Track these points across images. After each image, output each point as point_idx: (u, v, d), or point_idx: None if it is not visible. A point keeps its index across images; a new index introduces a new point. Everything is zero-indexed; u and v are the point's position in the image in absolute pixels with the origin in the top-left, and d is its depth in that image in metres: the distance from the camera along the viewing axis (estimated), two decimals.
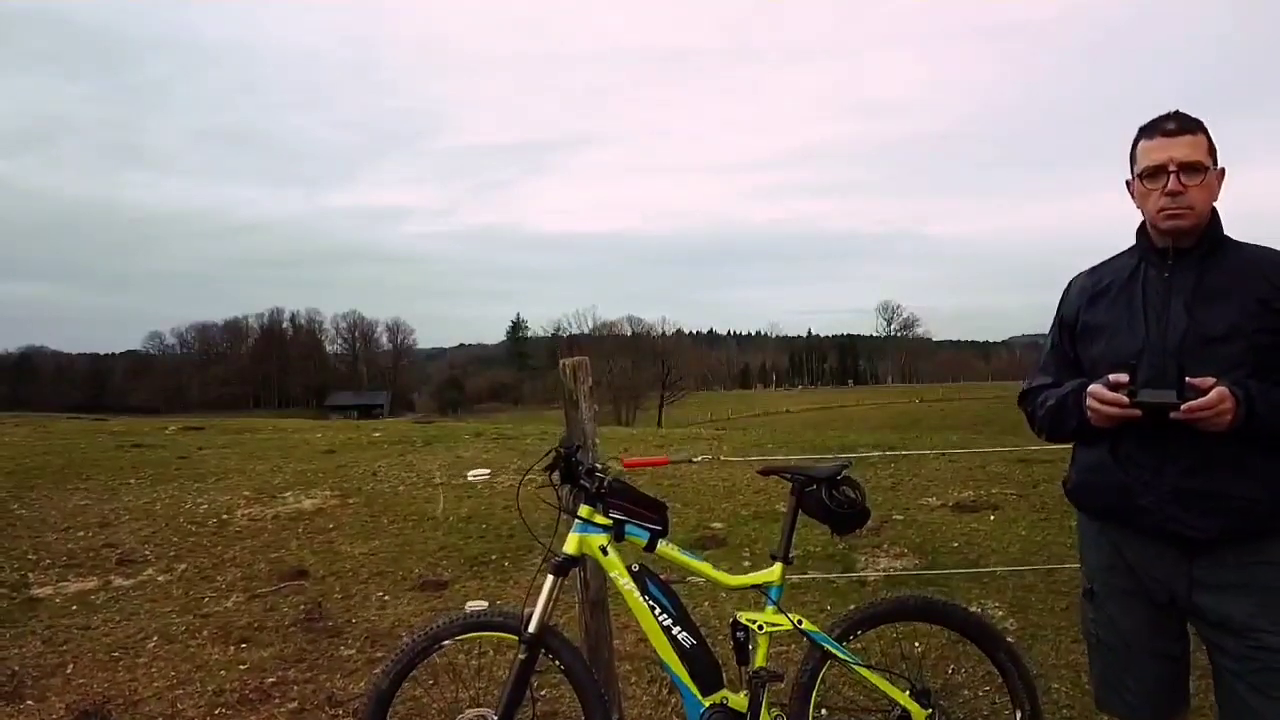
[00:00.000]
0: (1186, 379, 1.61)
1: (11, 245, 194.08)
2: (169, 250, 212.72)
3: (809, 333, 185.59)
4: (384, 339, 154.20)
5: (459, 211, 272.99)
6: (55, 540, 5.89)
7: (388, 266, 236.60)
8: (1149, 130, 1.83)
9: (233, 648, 4.04)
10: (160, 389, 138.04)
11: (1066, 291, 2.02)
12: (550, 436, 10.85)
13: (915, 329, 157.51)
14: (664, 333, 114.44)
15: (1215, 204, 1.82)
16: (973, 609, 3.28)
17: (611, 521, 2.40)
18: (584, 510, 2.40)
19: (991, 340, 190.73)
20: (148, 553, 5.53)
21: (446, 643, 2.39)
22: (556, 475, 2.47)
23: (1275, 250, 1.80)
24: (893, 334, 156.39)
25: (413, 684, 2.39)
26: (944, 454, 7.55)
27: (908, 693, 2.37)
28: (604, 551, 2.38)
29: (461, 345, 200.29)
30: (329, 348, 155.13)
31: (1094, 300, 1.90)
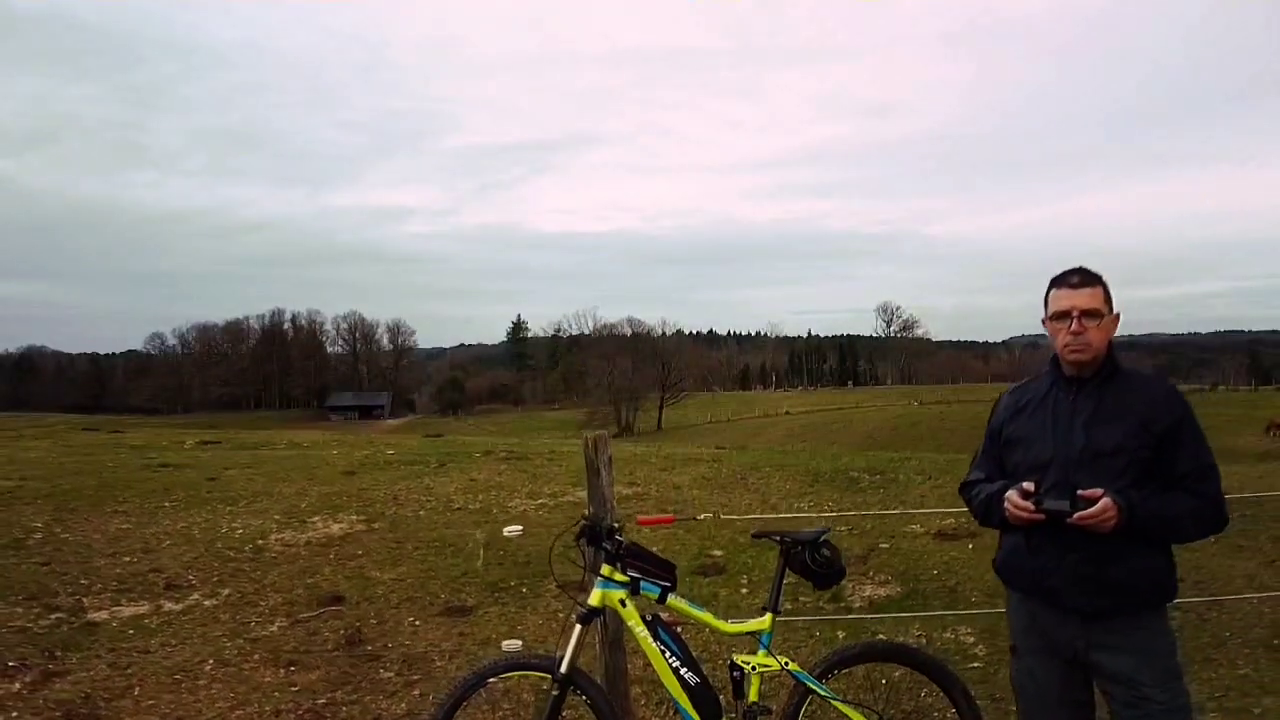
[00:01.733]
0: (1079, 491, 2.09)
1: (12, 244, 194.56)
2: (171, 250, 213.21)
3: (809, 333, 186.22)
4: (384, 340, 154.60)
5: (462, 211, 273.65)
6: (103, 565, 6.34)
7: (389, 266, 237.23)
8: (1058, 282, 2.31)
9: (282, 670, 4.51)
10: (161, 389, 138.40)
11: (996, 406, 2.50)
12: (558, 455, 11.32)
13: (914, 330, 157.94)
14: (664, 333, 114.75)
15: (1111, 340, 2.30)
16: (933, 648, 3.75)
17: (629, 579, 2.87)
18: (605, 569, 2.87)
19: (991, 341, 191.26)
20: (192, 578, 6.00)
21: (492, 680, 2.86)
22: (584, 540, 2.96)
23: (1155, 379, 2.28)
24: (892, 335, 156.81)
25: (463, 713, 2.84)
26: (930, 479, 8.01)
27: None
28: (623, 604, 2.86)
29: (462, 345, 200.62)
30: (330, 348, 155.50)
31: (1015, 415, 2.39)
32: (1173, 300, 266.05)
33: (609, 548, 2.89)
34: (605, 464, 3.25)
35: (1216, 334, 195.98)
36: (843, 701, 2.84)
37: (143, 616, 5.43)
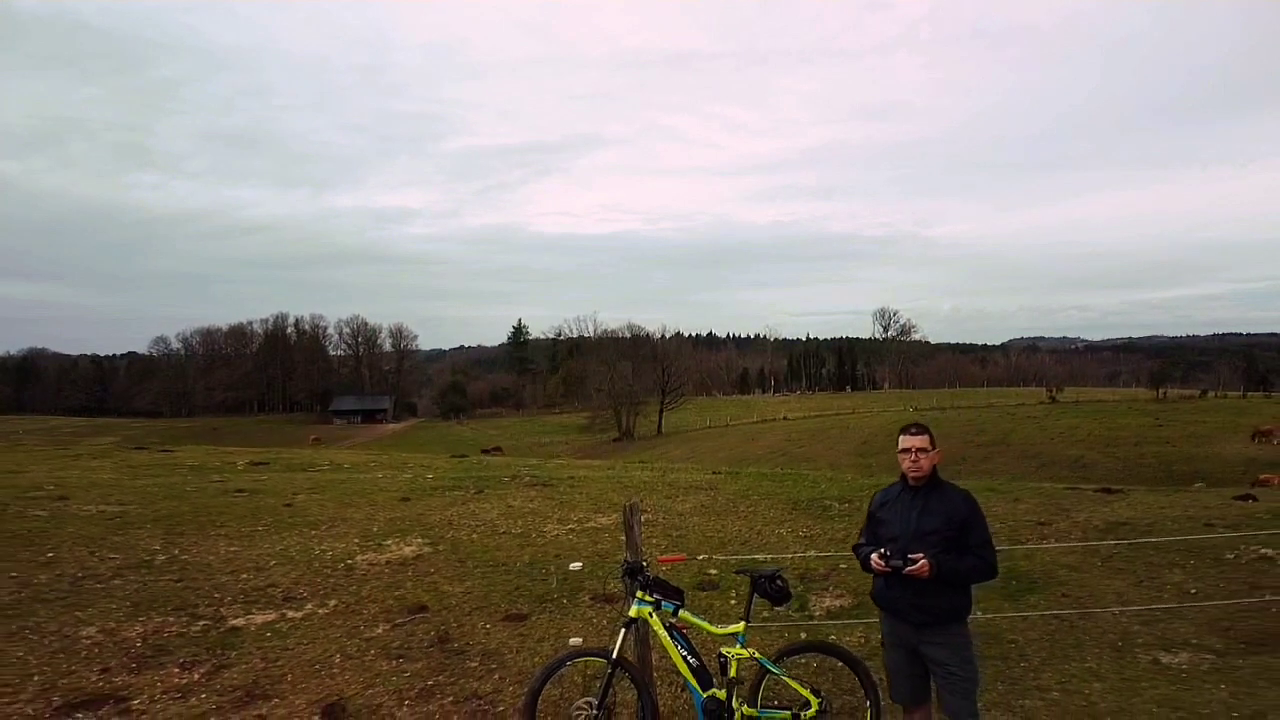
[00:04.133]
0: (909, 555, 3.77)
1: (16, 246, 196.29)
2: (173, 251, 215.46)
3: (808, 336, 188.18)
4: (386, 343, 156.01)
5: (463, 214, 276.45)
6: (226, 581, 8.00)
7: (390, 268, 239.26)
8: (903, 430, 3.99)
9: (394, 662, 6.17)
10: (165, 392, 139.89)
11: (872, 499, 4.19)
12: (578, 482, 13.00)
13: (912, 334, 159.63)
14: (664, 336, 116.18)
15: (936, 464, 3.99)
16: (858, 643, 5.41)
17: (654, 599, 4.56)
18: (639, 593, 4.57)
19: (990, 343, 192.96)
20: (302, 591, 7.66)
21: (569, 663, 4.55)
22: (625, 575, 4.65)
23: (958, 491, 3.96)
24: (890, 338, 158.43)
25: (550, 685, 4.50)
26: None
27: (809, 691, 4.52)
28: (650, 615, 4.55)
29: (461, 347, 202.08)
30: (332, 352, 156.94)
31: (882, 506, 4.08)
32: (1171, 303, 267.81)
33: (641, 580, 4.58)
34: (637, 522, 4.94)
35: (1215, 336, 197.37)
36: (789, 677, 4.53)
37: (273, 622, 7.08)
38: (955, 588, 3.87)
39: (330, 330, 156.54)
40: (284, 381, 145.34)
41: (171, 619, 7.16)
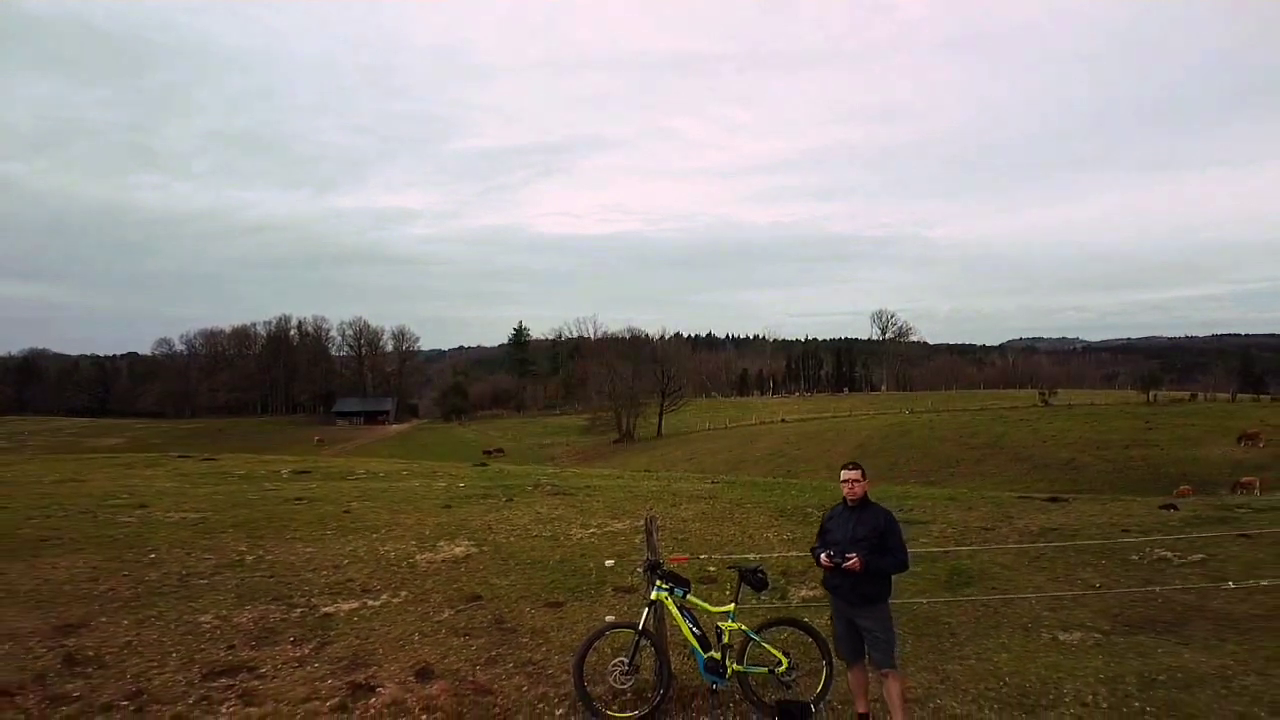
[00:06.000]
0: (847, 554, 5.52)
1: (19, 246, 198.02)
2: (176, 252, 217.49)
3: (807, 337, 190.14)
4: (389, 344, 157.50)
5: (465, 214, 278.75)
6: (310, 577, 9.71)
7: (392, 268, 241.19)
8: (844, 467, 5.75)
9: (462, 638, 7.87)
10: (168, 394, 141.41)
11: (824, 515, 5.93)
12: (594, 490, 14.74)
13: (909, 336, 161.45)
14: (664, 337, 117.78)
15: (866, 490, 5.74)
16: (820, 626, 7.14)
17: (669, 587, 6.30)
18: (658, 583, 6.31)
19: (988, 344, 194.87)
20: (376, 584, 9.38)
21: (606, 634, 6.29)
22: (646, 570, 6.40)
23: (880, 509, 5.71)
24: (887, 339, 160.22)
25: (593, 653, 6.23)
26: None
27: (781, 653, 6.26)
28: (666, 598, 6.29)
29: (461, 347, 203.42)
30: (334, 353, 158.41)
31: (829, 519, 5.84)
32: (1170, 303, 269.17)
33: (659, 573, 6.33)
34: (654, 529, 6.67)
35: (1214, 337, 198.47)
36: (766, 644, 6.27)
37: (358, 609, 8.79)
38: (879, 578, 5.60)
39: (333, 332, 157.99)
40: (287, 383, 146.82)
41: (273, 607, 8.85)
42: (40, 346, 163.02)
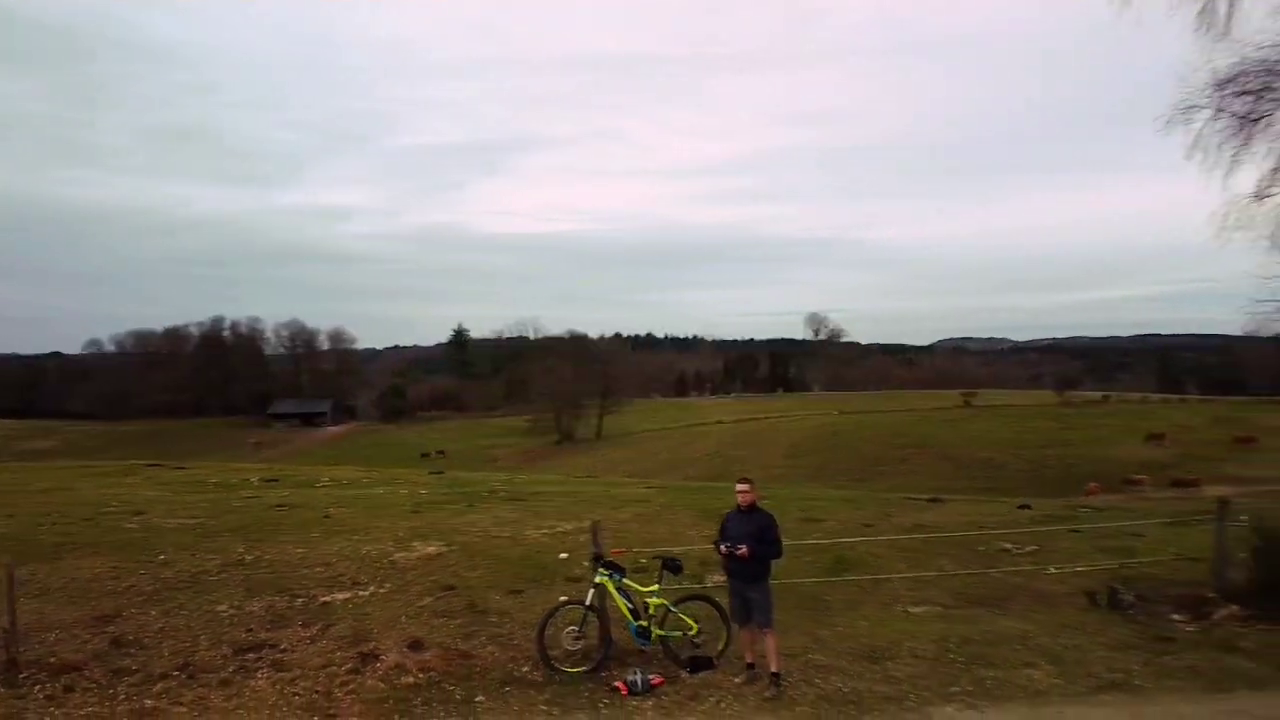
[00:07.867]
0: (739, 545, 7.67)
1: None
2: (108, 249, 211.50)
3: (746, 338, 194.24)
4: (325, 344, 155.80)
5: (405, 212, 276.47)
6: (306, 573, 11.45)
7: (328, 266, 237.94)
8: (739, 481, 7.91)
9: (443, 619, 9.73)
10: (101, 395, 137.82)
11: (724, 517, 8.09)
12: (544, 495, 16.69)
13: (842, 338, 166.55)
14: (603, 337, 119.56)
15: (756, 498, 7.91)
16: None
17: (609, 573, 8.39)
18: (601, 570, 8.39)
19: (919, 344, 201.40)
20: (364, 578, 11.19)
21: (560, 610, 8.35)
22: (593, 560, 8.46)
23: (764, 513, 7.90)
24: (820, 340, 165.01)
25: (550, 625, 8.25)
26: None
27: (692, 620, 8.40)
28: (607, 581, 8.37)
29: (396, 346, 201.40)
30: (269, 354, 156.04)
31: (729, 521, 8.01)
32: (1094, 304, 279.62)
33: (602, 562, 8.40)
34: (598, 530, 8.74)
35: (1137, 337, 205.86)
36: (683, 615, 8.39)
37: (351, 599, 10.59)
38: (761, 563, 7.75)
39: (268, 334, 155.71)
40: (222, 384, 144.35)
41: (278, 598, 10.57)
42: None
